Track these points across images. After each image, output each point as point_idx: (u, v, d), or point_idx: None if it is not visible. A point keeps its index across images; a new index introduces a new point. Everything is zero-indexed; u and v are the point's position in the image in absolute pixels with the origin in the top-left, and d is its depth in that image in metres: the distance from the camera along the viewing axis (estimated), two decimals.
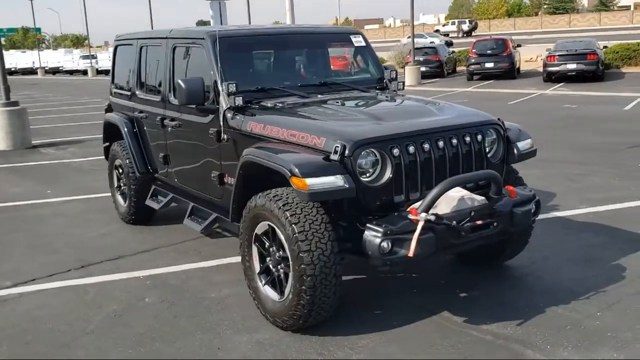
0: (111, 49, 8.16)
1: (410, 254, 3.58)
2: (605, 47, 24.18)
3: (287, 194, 3.89)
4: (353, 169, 3.74)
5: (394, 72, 5.57)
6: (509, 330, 3.90)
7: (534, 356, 3.59)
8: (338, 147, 3.74)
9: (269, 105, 4.64)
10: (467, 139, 4.17)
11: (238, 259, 5.34)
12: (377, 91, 5.26)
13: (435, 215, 3.68)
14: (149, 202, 6.10)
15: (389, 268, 4.21)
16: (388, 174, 3.85)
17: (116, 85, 6.91)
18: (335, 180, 3.67)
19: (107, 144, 7.04)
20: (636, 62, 24.96)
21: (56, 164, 10.73)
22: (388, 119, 4.18)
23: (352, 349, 3.76)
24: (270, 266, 4.13)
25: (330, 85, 5.22)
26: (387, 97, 4.98)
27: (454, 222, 3.75)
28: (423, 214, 3.65)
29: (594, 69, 21.49)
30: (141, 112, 6.09)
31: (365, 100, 4.86)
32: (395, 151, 3.85)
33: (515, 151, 4.46)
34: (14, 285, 5.07)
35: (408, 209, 3.75)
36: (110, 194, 7.10)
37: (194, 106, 4.89)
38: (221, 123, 4.68)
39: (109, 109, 7.10)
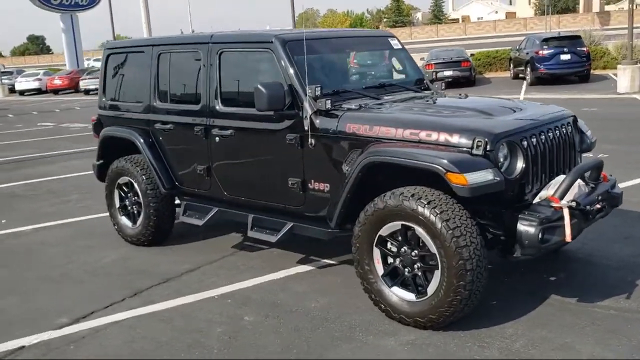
0: None
1: (568, 239, 3.76)
2: (472, 55, 26.30)
3: (423, 192, 3.89)
4: (495, 162, 3.85)
5: (433, 73, 5.73)
6: (625, 304, 4.22)
7: None
8: (480, 141, 3.82)
9: (353, 107, 4.59)
10: (563, 130, 4.45)
11: (303, 268, 5.24)
12: (430, 92, 5.40)
13: (575, 201, 3.90)
14: (185, 219, 5.67)
15: (535, 256, 4.33)
16: (520, 166, 4.00)
17: (112, 97, 6.35)
18: (487, 174, 3.76)
19: (101, 161, 6.46)
20: (496, 68, 27.44)
21: None
22: (496, 114, 4.34)
23: (506, 338, 3.85)
24: (400, 267, 4.09)
25: (387, 86, 5.27)
26: (459, 95, 5.13)
27: (588, 207, 4.00)
28: (564, 201, 3.85)
29: (468, 75, 23.30)
30: (164, 123, 5.68)
31: (444, 99, 4.97)
32: (525, 143, 4.02)
33: (588, 141, 4.83)
34: (74, 321, 4.49)
35: (548, 198, 3.93)
36: (95, 216, 6.51)
37: (264, 113, 4.67)
38: (307, 128, 4.53)
39: (99, 124, 6.52)
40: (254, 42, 4.96)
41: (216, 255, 5.74)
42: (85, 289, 5.14)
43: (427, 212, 3.79)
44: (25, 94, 38.90)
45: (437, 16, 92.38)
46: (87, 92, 34.85)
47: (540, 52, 21.17)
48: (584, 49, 21.44)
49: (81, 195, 8.79)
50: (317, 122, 4.52)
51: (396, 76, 5.79)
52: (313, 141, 4.54)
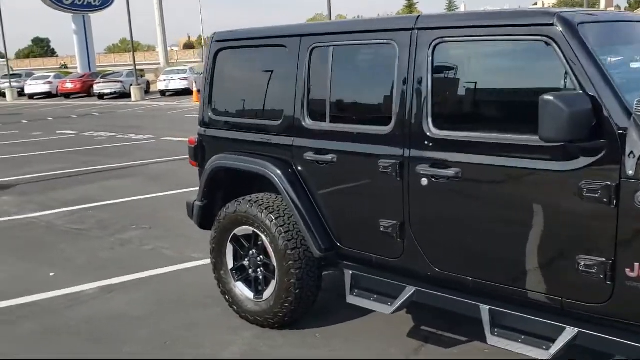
0: None
1: None
2: None
3: None
4: None
5: None
6: None
7: None
8: None
9: None
10: None
11: None
12: None
13: None
14: (357, 301, 3.72)
15: None
16: None
17: (226, 111, 4.45)
18: None
19: (206, 202, 4.54)
20: None
21: (3, 223, 7.56)
22: None
23: None
24: None
25: None
26: None
27: None
28: None
29: None
30: (320, 152, 3.75)
31: None
32: None
33: None
34: None
35: None
36: (176, 268, 4.59)
37: (546, 144, 2.76)
38: (634, 172, 2.62)
39: (201, 148, 4.61)
40: (511, 26, 3.02)
41: (400, 349, 3.80)
42: None
43: None
44: (35, 97, 37.01)
45: None
46: (101, 96, 33.12)
47: None
48: None
49: (143, 232, 6.85)
50: None
51: None
52: None
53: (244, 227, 4.19)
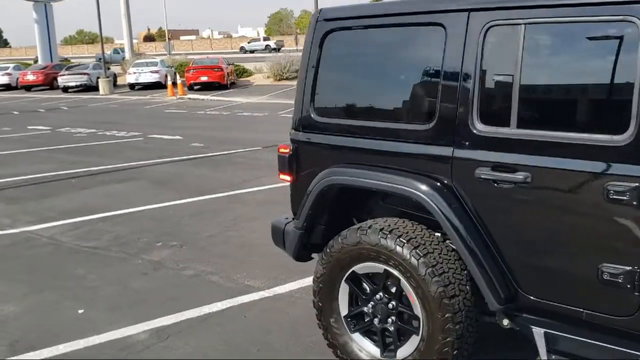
0: None
1: None
2: None
3: None
4: None
5: None
6: None
7: None
8: None
9: None
10: None
11: None
12: None
13: None
14: None
15: None
16: None
17: (340, 110, 3.41)
18: None
19: (306, 226, 3.50)
20: None
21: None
22: None
23: None
24: None
25: None
26: None
27: None
28: None
29: None
30: (504, 169, 2.76)
31: None
32: None
33: None
34: None
35: None
36: (237, 301, 3.57)
37: None
38: None
39: (295, 156, 3.57)
40: None
41: None
42: None
43: None
44: None
45: None
46: (65, 89, 31.22)
47: None
48: None
49: (173, 251, 5.74)
50: None
51: None
52: None
53: (368, 264, 3.18)
